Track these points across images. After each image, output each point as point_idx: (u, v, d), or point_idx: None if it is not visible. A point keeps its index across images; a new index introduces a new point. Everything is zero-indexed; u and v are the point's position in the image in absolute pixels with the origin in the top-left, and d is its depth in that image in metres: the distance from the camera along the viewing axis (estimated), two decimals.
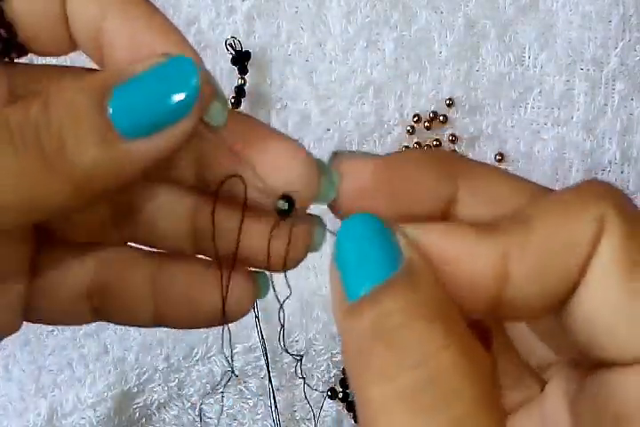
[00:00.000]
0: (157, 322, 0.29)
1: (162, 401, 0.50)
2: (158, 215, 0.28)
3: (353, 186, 0.25)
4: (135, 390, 0.49)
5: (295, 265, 0.27)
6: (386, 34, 0.49)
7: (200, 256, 0.29)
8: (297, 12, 0.49)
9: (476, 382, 0.20)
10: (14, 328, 0.29)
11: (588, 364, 0.23)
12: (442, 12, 0.49)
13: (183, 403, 0.50)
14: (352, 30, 0.49)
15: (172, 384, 0.50)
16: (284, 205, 0.25)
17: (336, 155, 0.26)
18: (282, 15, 0.49)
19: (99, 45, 0.25)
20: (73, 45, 0.26)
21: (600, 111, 0.49)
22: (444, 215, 0.26)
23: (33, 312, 0.28)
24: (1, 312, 0.28)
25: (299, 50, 0.49)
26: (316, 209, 0.27)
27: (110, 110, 0.23)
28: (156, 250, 0.29)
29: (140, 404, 0.50)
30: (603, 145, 0.49)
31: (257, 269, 0.28)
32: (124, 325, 0.30)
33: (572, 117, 0.49)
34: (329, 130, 0.50)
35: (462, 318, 0.22)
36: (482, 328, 0.26)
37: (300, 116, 0.50)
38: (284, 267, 0.26)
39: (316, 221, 0.27)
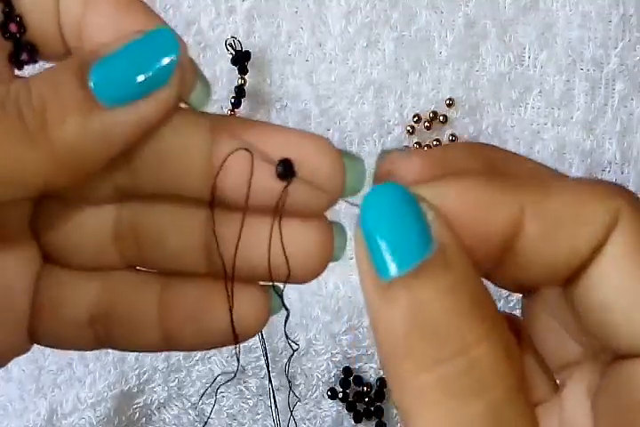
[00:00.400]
0: (166, 346, 0.28)
1: (162, 401, 0.50)
2: (167, 234, 0.27)
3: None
4: (135, 390, 0.49)
5: (314, 277, 0.26)
6: (386, 34, 0.49)
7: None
8: (297, 11, 0.49)
9: (511, 371, 0.21)
10: (23, 349, 0.28)
11: (607, 358, 0.23)
12: (442, 12, 0.49)
13: (183, 403, 0.50)
14: (352, 30, 0.49)
15: (172, 384, 0.50)
16: (282, 170, 0.24)
17: (384, 153, 0.25)
18: (282, 15, 0.49)
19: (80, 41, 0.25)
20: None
21: (600, 111, 0.49)
22: (506, 247, 0.23)
23: (38, 335, 0.28)
24: (7, 332, 0.27)
25: (299, 50, 0.49)
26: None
27: (91, 83, 0.23)
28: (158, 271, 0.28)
29: (140, 404, 0.50)
30: (603, 145, 0.49)
31: (269, 283, 0.27)
32: (131, 351, 0.29)
33: (572, 117, 0.49)
34: (329, 130, 0.50)
35: (493, 302, 0.22)
36: (512, 322, 0.26)
37: (300, 117, 0.49)
38: (296, 279, 0.25)
39: (338, 228, 0.26)
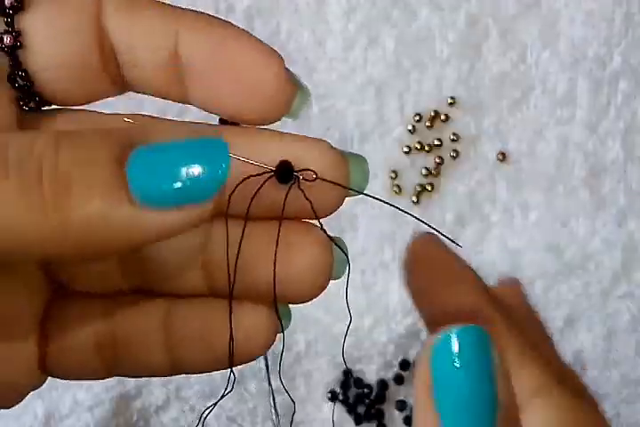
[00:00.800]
0: (175, 370, 0.27)
1: (160, 404, 0.49)
2: (168, 256, 0.26)
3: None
4: (133, 392, 0.49)
5: (314, 297, 0.25)
6: (386, 32, 0.48)
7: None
8: (296, 10, 0.49)
9: None
10: (37, 382, 0.28)
11: None
12: (443, 10, 0.48)
13: (182, 405, 0.50)
14: (352, 28, 0.48)
15: (171, 386, 0.49)
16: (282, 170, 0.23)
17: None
18: (281, 13, 0.49)
19: (171, 75, 0.24)
20: (108, 89, 0.25)
21: (603, 110, 0.48)
22: None
23: (48, 366, 0.27)
24: (20, 364, 0.27)
25: (298, 48, 0.49)
26: None
27: (129, 170, 0.20)
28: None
29: (139, 406, 0.49)
30: (606, 144, 0.49)
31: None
32: (141, 377, 0.28)
33: (575, 116, 0.49)
34: (329, 129, 0.49)
35: None
36: None
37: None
38: (295, 299, 0.25)
39: (339, 242, 0.26)
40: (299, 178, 0.23)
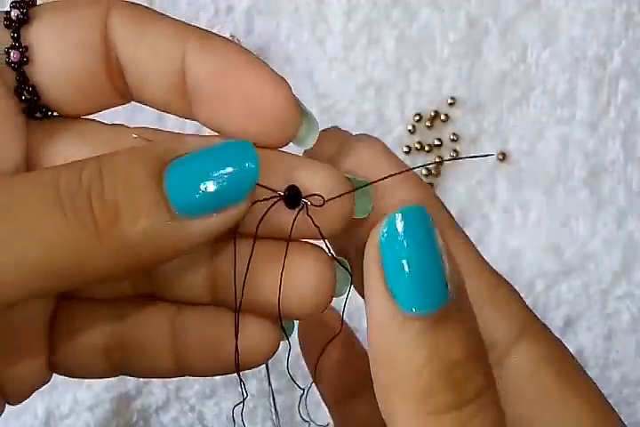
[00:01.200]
0: (180, 371, 0.28)
1: (160, 403, 0.49)
2: (175, 266, 0.27)
3: None
4: (133, 392, 0.49)
5: (317, 312, 0.26)
6: (387, 32, 0.48)
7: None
8: (296, 9, 0.49)
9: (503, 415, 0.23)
10: (43, 380, 0.28)
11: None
12: (443, 10, 0.48)
13: (182, 405, 0.50)
14: (352, 28, 0.48)
15: (171, 386, 0.49)
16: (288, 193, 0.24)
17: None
18: (281, 13, 0.49)
19: (177, 92, 0.24)
20: (114, 100, 0.26)
21: (603, 110, 0.48)
22: None
23: (56, 366, 0.28)
24: (28, 365, 0.27)
25: (298, 48, 0.49)
26: None
27: (166, 185, 0.22)
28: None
29: (139, 406, 0.49)
30: (606, 144, 0.49)
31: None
32: (147, 377, 0.29)
33: (575, 116, 0.49)
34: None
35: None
36: None
37: None
38: (298, 315, 0.26)
39: (342, 263, 0.26)
40: (307, 204, 0.24)
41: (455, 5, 0.48)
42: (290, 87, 0.24)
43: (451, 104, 0.48)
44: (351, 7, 0.48)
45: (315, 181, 0.24)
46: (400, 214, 0.22)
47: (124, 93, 0.26)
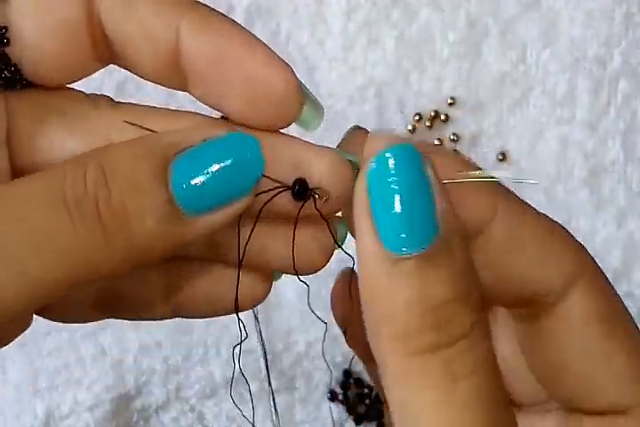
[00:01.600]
0: (175, 314, 0.28)
1: (160, 403, 0.49)
2: None
3: None
4: (133, 392, 0.49)
5: (318, 269, 0.26)
6: (386, 32, 0.48)
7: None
8: (296, 10, 0.49)
9: (494, 356, 0.23)
10: (24, 325, 0.28)
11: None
12: (443, 10, 0.48)
13: (182, 405, 0.50)
14: (352, 29, 0.48)
15: (171, 386, 0.49)
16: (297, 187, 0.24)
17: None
18: (281, 13, 0.49)
19: (170, 67, 0.24)
20: (97, 67, 0.25)
21: (603, 110, 0.48)
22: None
23: (42, 309, 0.28)
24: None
25: (298, 48, 0.49)
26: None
27: (172, 183, 0.22)
28: None
29: (139, 406, 0.49)
30: (606, 144, 0.49)
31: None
32: (134, 319, 0.29)
33: (575, 116, 0.48)
34: (328, 129, 0.49)
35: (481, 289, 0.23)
36: None
37: None
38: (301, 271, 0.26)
39: (340, 221, 0.27)
40: (314, 197, 0.24)
41: (455, 5, 0.48)
42: (290, 68, 0.24)
43: (451, 104, 0.48)
44: (351, 7, 0.48)
45: (319, 166, 0.24)
46: (388, 152, 0.22)
47: (107, 61, 0.25)
